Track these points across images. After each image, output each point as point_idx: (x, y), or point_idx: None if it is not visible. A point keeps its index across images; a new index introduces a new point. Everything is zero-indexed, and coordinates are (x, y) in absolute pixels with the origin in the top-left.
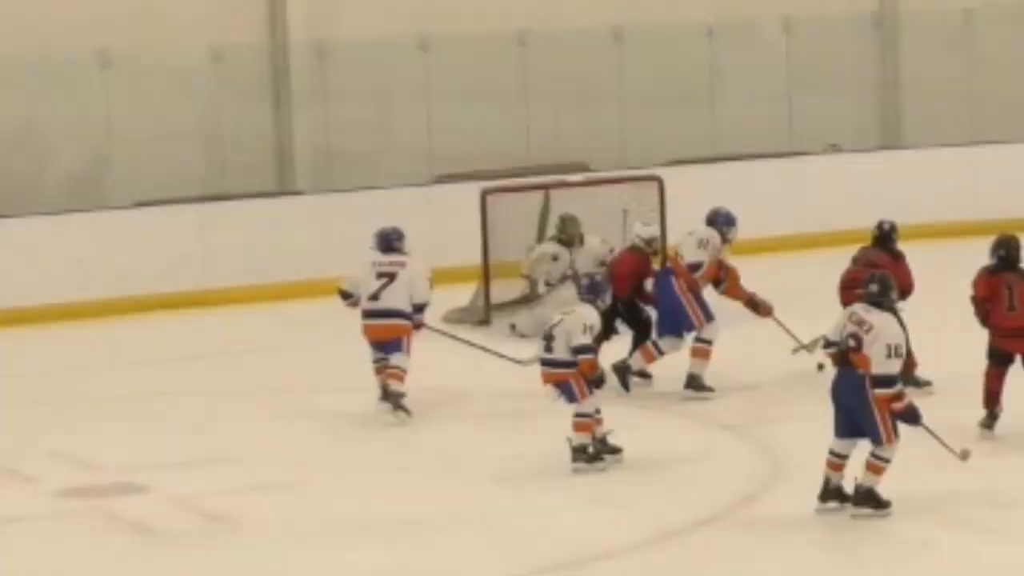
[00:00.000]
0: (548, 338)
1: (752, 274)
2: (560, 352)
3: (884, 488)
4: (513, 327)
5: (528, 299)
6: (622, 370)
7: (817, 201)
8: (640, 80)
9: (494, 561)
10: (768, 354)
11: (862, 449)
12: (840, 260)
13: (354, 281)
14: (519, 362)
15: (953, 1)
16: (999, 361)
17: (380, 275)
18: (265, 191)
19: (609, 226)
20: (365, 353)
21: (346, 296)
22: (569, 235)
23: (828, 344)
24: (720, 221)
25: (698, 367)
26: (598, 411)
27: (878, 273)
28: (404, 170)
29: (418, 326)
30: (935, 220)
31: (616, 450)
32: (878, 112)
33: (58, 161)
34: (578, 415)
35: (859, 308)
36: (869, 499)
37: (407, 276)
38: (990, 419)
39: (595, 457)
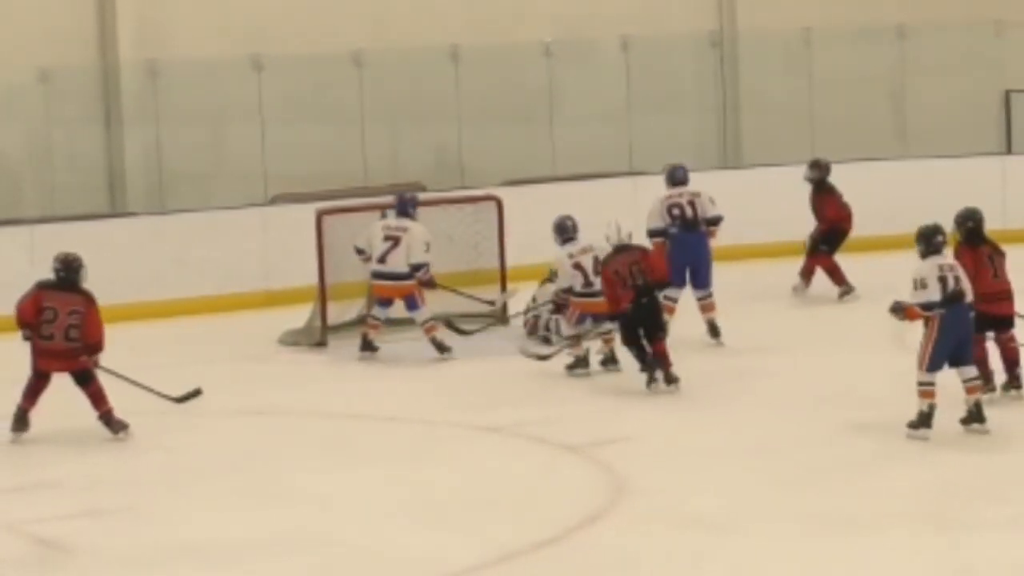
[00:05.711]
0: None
1: None
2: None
3: None
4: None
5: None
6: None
7: None
8: (478, 100)
9: None
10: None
11: None
12: None
13: (368, 240)
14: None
15: (792, 20)
16: (986, 326)
17: (387, 238)
18: (96, 213)
19: (444, 246)
20: (200, 377)
21: (359, 252)
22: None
23: None
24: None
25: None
26: None
27: None
28: (239, 191)
29: (423, 283)
30: (775, 239)
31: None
32: (718, 131)
33: None
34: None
35: None
36: None
37: (408, 240)
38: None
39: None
